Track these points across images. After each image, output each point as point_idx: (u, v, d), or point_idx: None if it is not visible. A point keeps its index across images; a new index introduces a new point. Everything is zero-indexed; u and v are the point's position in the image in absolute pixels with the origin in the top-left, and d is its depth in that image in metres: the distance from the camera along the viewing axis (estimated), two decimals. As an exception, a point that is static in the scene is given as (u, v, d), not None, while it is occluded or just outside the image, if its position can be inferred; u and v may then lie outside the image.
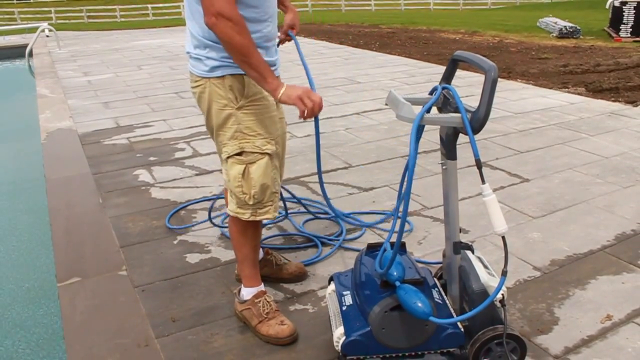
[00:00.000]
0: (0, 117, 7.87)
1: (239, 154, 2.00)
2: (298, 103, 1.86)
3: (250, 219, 2.07)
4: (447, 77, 1.88)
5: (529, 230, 3.01)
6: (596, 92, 6.89)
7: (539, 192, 3.53)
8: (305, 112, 1.87)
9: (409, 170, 1.57)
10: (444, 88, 1.76)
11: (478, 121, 1.58)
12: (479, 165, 1.61)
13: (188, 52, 2.03)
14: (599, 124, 5.08)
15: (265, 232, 2.97)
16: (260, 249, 2.46)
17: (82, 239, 3.02)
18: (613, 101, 6.21)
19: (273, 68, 2.03)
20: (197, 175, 3.93)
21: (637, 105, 5.92)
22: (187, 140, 4.74)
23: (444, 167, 1.81)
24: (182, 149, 4.51)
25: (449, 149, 1.76)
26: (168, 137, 4.88)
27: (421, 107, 1.69)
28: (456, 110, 1.66)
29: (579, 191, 3.55)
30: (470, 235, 2.93)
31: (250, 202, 2.03)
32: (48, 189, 3.78)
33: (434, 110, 1.80)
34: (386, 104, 1.76)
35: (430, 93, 1.82)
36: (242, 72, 1.93)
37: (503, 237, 1.65)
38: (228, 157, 2.02)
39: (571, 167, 3.99)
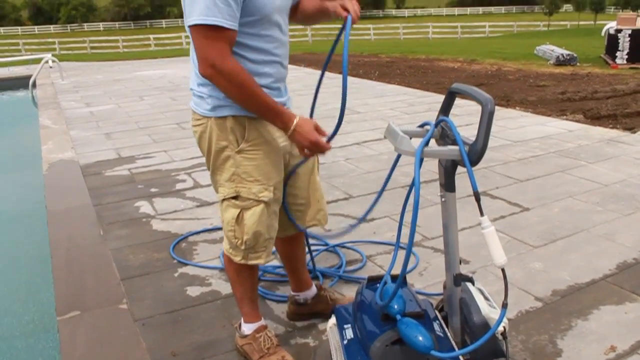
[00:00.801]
0: (3, 147, 7.93)
1: (235, 197, 1.96)
2: (304, 152, 1.90)
3: (241, 262, 2.04)
4: (445, 109, 1.90)
5: (530, 260, 3.00)
6: (594, 119, 6.94)
7: (540, 221, 3.53)
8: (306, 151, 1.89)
9: (414, 203, 1.56)
10: (442, 120, 1.78)
11: (476, 154, 1.60)
12: (477, 197, 1.62)
13: (192, 89, 1.99)
14: (597, 152, 5.11)
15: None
16: (313, 285, 2.44)
17: (82, 271, 3.02)
18: (611, 128, 6.26)
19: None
20: (197, 207, 3.94)
21: (635, 132, 5.96)
22: (188, 171, 4.76)
23: (442, 200, 1.82)
24: (183, 180, 4.53)
25: (447, 181, 1.77)
26: (169, 168, 4.90)
27: (419, 139, 1.70)
28: (454, 142, 1.67)
29: (579, 220, 3.55)
30: (471, 266, 2.93)
31: (242, 247, 2.00)
32: (49, 221, 3.79)
33: (432, 142, 1.81)
34: (385, 137, 1.78)
35: (421, 127, 1.83)
36: (245, 114, 1.90)
37: (503, 270, 1.64)
38: (223, 199, 1.99)
39: (571, 195, 3.99)
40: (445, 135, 1.75)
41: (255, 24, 1.84)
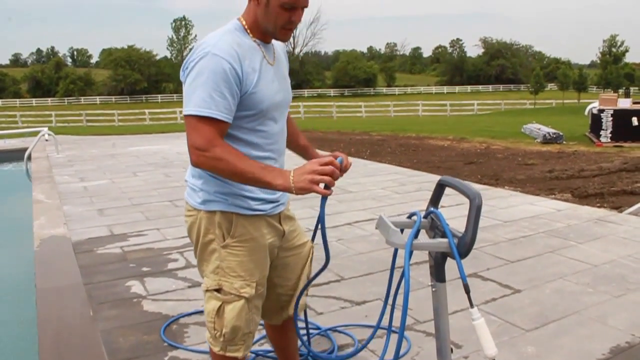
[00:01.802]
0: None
1: (217, 290, 1.98)
2: (313, 188, 1.74)
3: (220, 353, 2.04)
4: (435, 201, 1.96)
5: (522, 344, 2.99)
6: (582, 197, 7.08)
7: (531, 303, 3.54)
8: (325, 187, 1.76)
9: (404, 294, 1.60)
10: (431, 212, 1.84)
11: (465, 246, 1.65)
12: (466, 289, 1.66)
13: (186, 180, 2.06)
14: (586, 231, 5.17)
15: (256, 347, 2.94)
16: None
17: (70, 354, 2.97)
18: (599, 207, 6.37)
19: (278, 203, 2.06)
20: (189, 287, 3.92)
21: (622, 211, 6.06)
22: (180, 250, 4.76)
23: (433, 289, 1.85)
24: (175, 260, 4.52)
25: (437, 271, 1.81)
26: (161, 247, 4.90)
27: (410, 230, 1.75)
28: (443, 234, 1.72)
29: (570, 301, 3.56)
30: (463, 350, 2.91)
31: (221, 340, 2.01)
32: (38, 300, 3.74)
33: (423, 232, 1.87)
34: (376, 228, 1.83)
35: (409, 217, 1.89)
36: (233, 210, 1.94)
37: (494, 361, 1.65)
38: (207, 290, 2.01)
39: (562, 276, 4.02)
40: (435, 226, 1.81)
41: (251, 119, 1.92)
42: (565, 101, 49.98)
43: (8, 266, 5.59)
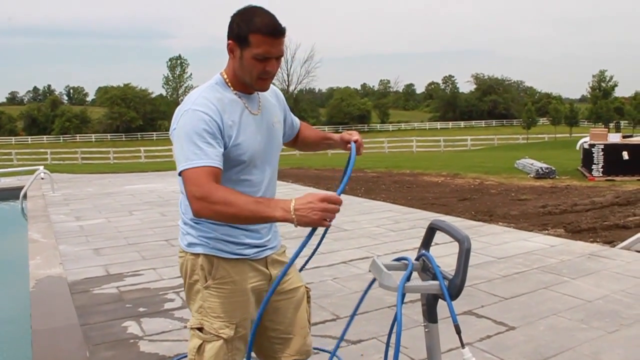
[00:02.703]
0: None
1: (199, 329, 2.05)
2: (323, 224, 1.79)
3: None
4: (426, 244, 2.02)
5: (518, 383, 3.02)
6: (575, 232, 7.13)
7: (525, 340, 3.57)
8: (328, 220, 1.79)
9: (396, 337, 1.65)
10: (422, 255, 1.90)
11: (455, 288, 1.70)
12: (457, 330, 1.70)
13: (179, 224, 2.16)
14: (579, 267, 5.23)
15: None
16: None
17: (66, 397, 2.97)
18: (591, 242, 6.42)
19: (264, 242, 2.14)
20: (185, 327, 3.93)
21: (614, 246, 6.12)
22: (176, 290, 4.78)
23: (426, 330, 1.89)
24: (172, 300, 4.54)
25: (430, 313, 1.86)
26: (157, 286, 4.92)
27: (402, 272, 1.81)
28: (434, 276, 1.78)
29: (564, 338, 3.60)
30: (459, 389, 2.93)
31: None
32: (33, 341, 3.74)
33: (415, 274, 1.92)
34: (370, 271, 1.88)
35: (397, 260, 1.94)
36: (214, 253, 2.03)
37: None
38: (191, 328, 2.08)
39: (555, 312, 4.06)
40: (427, 268, 1.86)
41: (235, 170, 2.01)
42: (557, 135, 50.59)
43: (4, 308, 5.58)
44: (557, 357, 3.32)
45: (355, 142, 2.22)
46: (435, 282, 1.75)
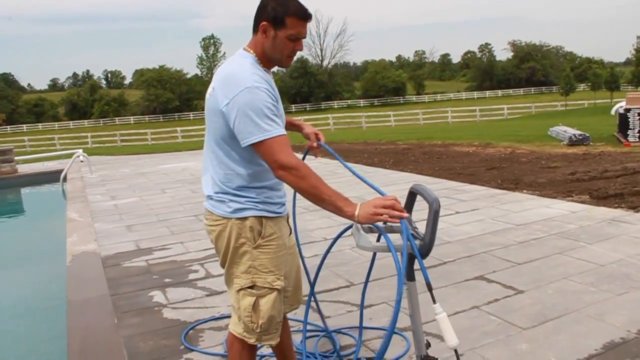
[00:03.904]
0: (33, 239, 8.35)
1: (251, 287, 2.25)
2: (376, 218, 1.99)
3: (255, 343, 2.31)
4: (408, 207, 2.14)
5: (517, 342, 3.12)
6: (600, 198, 7.07)
7: (532, 303, 3.66)
8: (390, 218, 1.99)
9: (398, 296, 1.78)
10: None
11: (424, 247, 1.83)
12: (429, 288, 1.83)
13: (208, 195, 2.29)
14: (598, 232, 5.24)
15: (264, 349, 3.14)
16: None
17: (95, 357, 3.23)
18: (616, 207, 6.38)
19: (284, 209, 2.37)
20: (207, 296, 4.16)
21: (638, 211, 6.07)
22: (201, 262, 5.02)
23: (406, 288, 2.03)
24: (196, 271, 4.78)
25: (408, 271, 1.99)
26: (184, 259, 5.17)
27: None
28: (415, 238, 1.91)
29: (571, 300, 3.67)
30: (460, 348, 3.01)
31: (258, 331, 2.26)
32: (68, 310, 4.03)
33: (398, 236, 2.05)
34: (352, 234, 2.02)
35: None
36: (263, 214, 2.22)
37: (455, 350, 1.83)
38: (240, 289, 2.26)
39: (566, 276, 4.12)
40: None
41: None
42: (597, 101, 49.14)
43: (44, 280, 5.95)
44: (561, 319, 3.41)
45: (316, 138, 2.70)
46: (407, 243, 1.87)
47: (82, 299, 4.28)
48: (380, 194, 2.14)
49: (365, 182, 2.31)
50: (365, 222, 2.01)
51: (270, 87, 2.15)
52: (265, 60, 2.25)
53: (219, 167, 2.24)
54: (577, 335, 3.17)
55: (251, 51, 2.24)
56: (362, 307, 2.91)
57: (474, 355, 2.99)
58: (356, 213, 2.01)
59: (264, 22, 2.17)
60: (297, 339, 3.30)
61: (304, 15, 2.17)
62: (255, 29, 2.22)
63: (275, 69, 2.40)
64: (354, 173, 2.36)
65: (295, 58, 2.39)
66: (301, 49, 2.27)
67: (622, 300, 3.65)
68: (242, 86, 2.08)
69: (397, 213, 1.97)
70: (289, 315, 2.68)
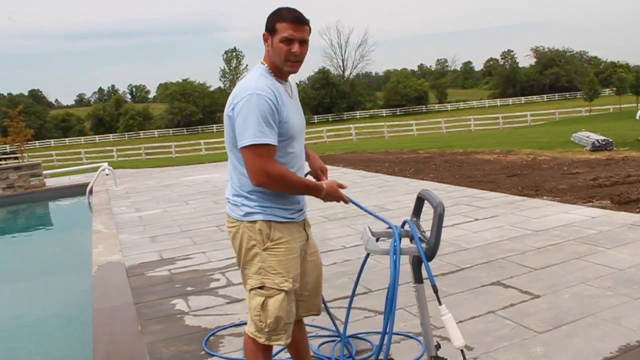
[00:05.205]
0: (61, 250, 8.59)
1: (261, 287, 2.37)
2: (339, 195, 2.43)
3: (265, 343, 2.41)
4: (417, 213, 2.22)
5: (533, 345, 3.15)
6: (622, 204, 7.01)
7: (548, 308, 3.68)
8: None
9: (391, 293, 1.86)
10: (405, 222, 2.10)
11: (429, 250, 1.90)
12: (435, 290, 1.90)
13: (227, 198, 2.49)
14: (617, 237, 5.22)
15: (283, 354, 3.22)
16: None
17: (120, 364, 3.34)
18: (637, 212, 6.33)
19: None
20: (227, 303, 4.26)
21: (660, 216, 6.01)
22: (222, 271, 5.13)
23: (414, 290, 2.09)
24: (217, 279, 4.88)
25: (415, 273, 2.06)
26: (205, 268, 5.28)
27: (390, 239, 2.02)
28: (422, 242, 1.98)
29: (588, 304, 3.68)
30: (474, 352, 3.10)
31: (266, 330, 2.37)
32: (94, 318, 4.16)
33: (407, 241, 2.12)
34: (361, 238, 2.10)
35: (402, 225, 2.15)
36: (271, 219, 2.36)
37: (462, 351, 1.88)
38: (251, 289, 2.40)
39: (584, 281, 4.12)
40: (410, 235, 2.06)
41: (283, 144, 2.36)
42: (623, 106, 48.41)
43: (72, 290, 6.12)
44: (577, 323, 3.42)
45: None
46: (413, 245, 1.94)
47: (107, 307, 4.41)
48: (387, 224, 2.34)
49: (374, 215, 2.50)
50: (329, 199, 2.44)
51: (275, 96, 2.29)
52: (276, 70, 2.40)
53: (234, 172, 2.44)
54: (592, 339, 3.18)
55: (265, 63, 2.41)
56: (389, 310, 2.97)
57: (488, 359, 3.02)
58: (324, 192, 2.42)
59: (264, 33, 2.38)
60: (315, 342, 3.39)
61: (293, 19, 2.32)
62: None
63: (297, 79, 2.54)
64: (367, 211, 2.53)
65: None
66: (298, 52, 2.35)
67: (639, 304, 3.64)
68: (245, 92, 2.27)
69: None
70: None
